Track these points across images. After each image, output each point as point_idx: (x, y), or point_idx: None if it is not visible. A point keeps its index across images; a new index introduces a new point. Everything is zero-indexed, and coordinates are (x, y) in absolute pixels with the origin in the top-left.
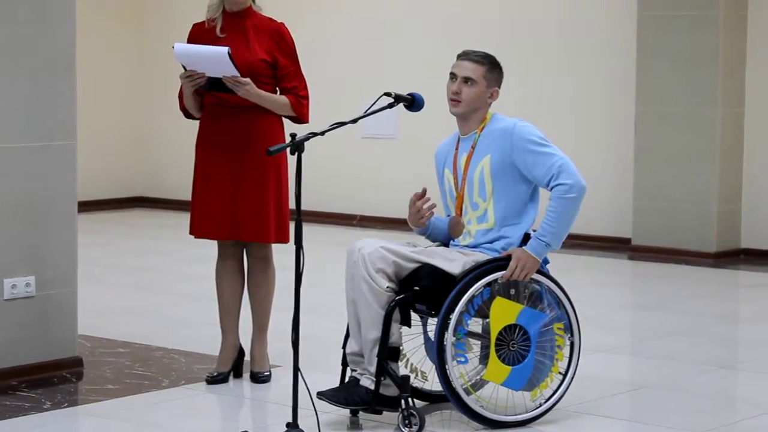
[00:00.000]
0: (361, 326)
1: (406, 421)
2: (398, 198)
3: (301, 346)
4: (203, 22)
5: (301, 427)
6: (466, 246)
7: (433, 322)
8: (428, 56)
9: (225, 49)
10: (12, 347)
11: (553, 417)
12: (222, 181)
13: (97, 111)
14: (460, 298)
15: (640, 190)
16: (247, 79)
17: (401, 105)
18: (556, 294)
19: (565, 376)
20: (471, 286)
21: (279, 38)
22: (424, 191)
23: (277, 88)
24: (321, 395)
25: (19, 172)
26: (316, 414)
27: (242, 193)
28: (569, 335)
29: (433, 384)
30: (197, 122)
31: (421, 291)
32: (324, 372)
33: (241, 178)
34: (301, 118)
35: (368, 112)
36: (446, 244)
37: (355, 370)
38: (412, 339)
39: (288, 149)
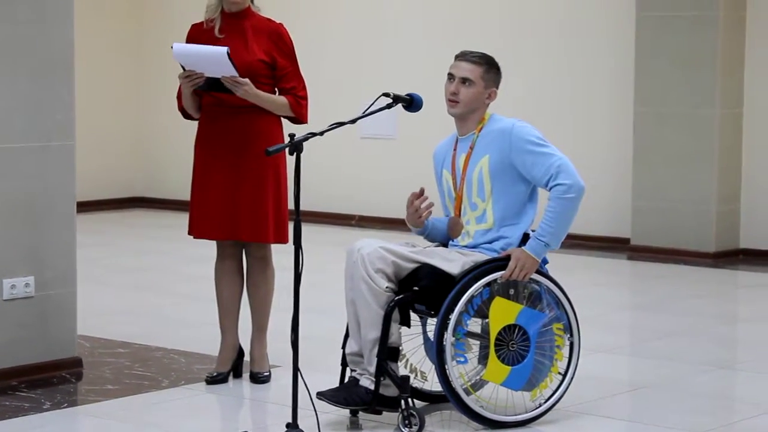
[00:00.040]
0: (360, 326)
1: (406, 422)
2: (397, 198)
3: (300, 346)
4: (202, 23)
5: (300, 427)
6: (465, 246)
7: (432, 323)
8: (427, 57)
9: (224, 49)
10: (11, 347)
11: (553, 417)
12: (221, 182)
13: (95, 111)
14: (460, 298)
15: (639, 190)
16: (246, 80)
17: (400, 105)
18: (555, 294)
19: (564, 376)
20: (470, 286)
21: (278, 39)
22: (422, 191)
23: (276, 89)
24: (321, 395)
25: (19, 172)
26: (316, 414)
27: (241, 193)
28: (568, 335)
29: (433, 384)
30: (196, 122)
31: (420, 291)
32: (323, 372)
33: (240, 178)
34: (299, 118)
35: (367, 112)
36: (445, 245)
37: (354, 371)
38: (411, 339)
39: (287, 149)
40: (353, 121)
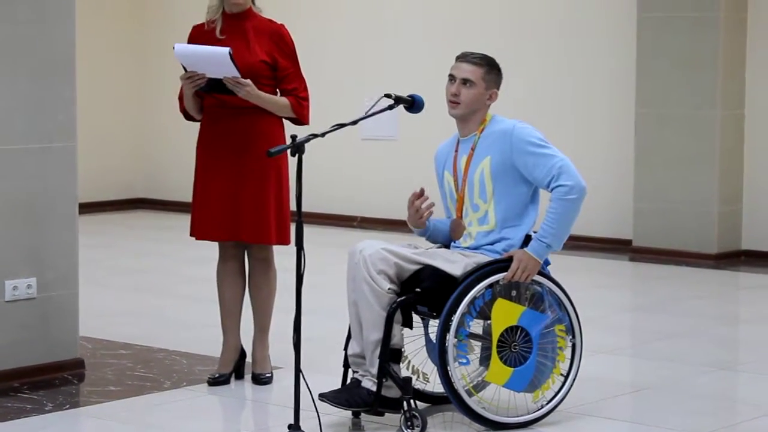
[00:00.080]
0: (362, 328)
1: (408, 423)
2: (398, 199)
3: (302, 347)
4: (203, 24)
5: (302, 428)
6: (467, 248)
7: (434, 324)
8: (428, 57)
9: (226, 50)
10: (13, 349)
11: (555, 418)
12: (223, 183)
13: (97, 112)
14: (462, 300)
15: (640, 191)
16: (248, 81)
17: (401, 106)
18: (557, 295)
19: (566, 377)
20: (472, 288)
21: (279, 40)
22: (422, 191)
23: (278, 90)
24: (323, 397)
25: (20, 173)
26: (318, 415)
27: (243, 194)
28: (571, 337)
29: (435, 385)
30: (197, 124)
31: (422, 292)
32: (325, 373)
33: (242, 179)
34: (301, 119)
35: (368, 113)
36: (447, 246)
37: (356, 372)
38: (413, 341)
39: (288, 151)
40: (355, 123)
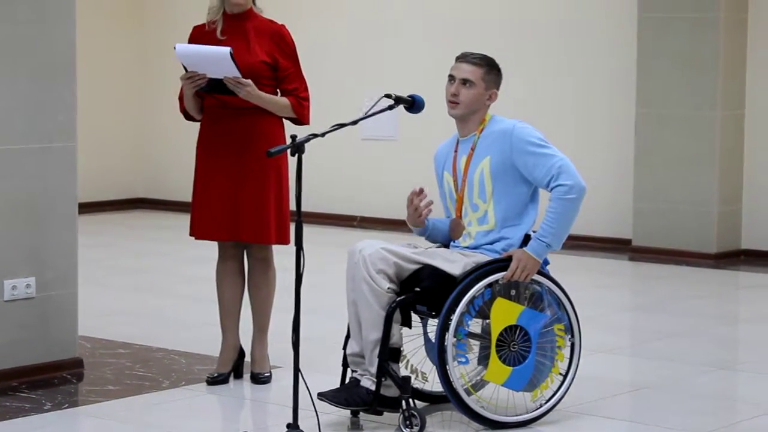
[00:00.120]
0: (361, 327)
1: (407, 422)
2: (398, 199)
3: (301, 347)
4: (203, 25)
5: (301, 428)
6: (467, 247)
7: (433, 323)
8: (428, 58)
9: (227, 50)
10: (12, 348)
11: (554, 418)
12: (222, 183)
13: (97, 112)
14: (461, 299)
15: (640, 191)
16: (249, 81)
17: (401, 106)
18: (556, 295)
19: (565, 376)
20: (472, 287)
21: (279, 40)
22: (421, 189)
23: (278, 90)
24: (321, 396)
25: (20, 173)
26: (317, 415)
27: (243, 194)
28: (570, 336)
29: (434, 384)
30: (197, 124)
31: (421, 292)
32: (324, 373)
33: (242, 179)
34: (301, 119)
35: (368, 113)
36: (446, 246)
37: (355, 371)
38: (412, 340)
39: (288, 151)
40: (355, 123)
